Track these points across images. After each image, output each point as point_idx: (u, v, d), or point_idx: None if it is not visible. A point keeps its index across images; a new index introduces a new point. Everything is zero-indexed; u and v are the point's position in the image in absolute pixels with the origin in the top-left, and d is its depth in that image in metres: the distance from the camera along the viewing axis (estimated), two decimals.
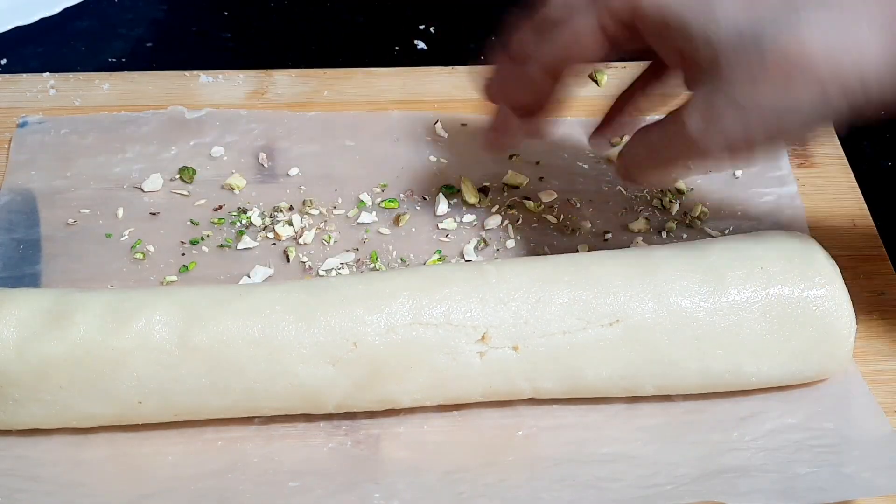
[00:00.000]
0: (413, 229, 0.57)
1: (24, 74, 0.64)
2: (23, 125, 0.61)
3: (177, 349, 0.45)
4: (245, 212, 0.57)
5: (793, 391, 0.49)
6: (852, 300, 0.49)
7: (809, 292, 0.47)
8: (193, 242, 0.56)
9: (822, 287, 0.47)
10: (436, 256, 0.56)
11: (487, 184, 0.59)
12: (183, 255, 0.55)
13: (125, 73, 0.65)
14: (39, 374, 0.44)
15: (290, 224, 0.57)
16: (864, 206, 0.59)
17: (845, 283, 0.48)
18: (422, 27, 0.73)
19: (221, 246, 0.56)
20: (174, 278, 0.54)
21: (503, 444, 0.47)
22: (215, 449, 0.47)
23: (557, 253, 0.55)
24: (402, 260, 0.56)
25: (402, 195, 0.59)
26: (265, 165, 0.60)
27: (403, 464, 0.46)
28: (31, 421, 0.46)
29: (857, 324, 0.48)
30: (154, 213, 0.57)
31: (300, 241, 0.56)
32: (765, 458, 0.46)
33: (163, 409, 0.46)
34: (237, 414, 0.47)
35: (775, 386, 0.49)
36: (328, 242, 0.56)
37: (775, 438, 0.47)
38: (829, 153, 0.62)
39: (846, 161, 0.61)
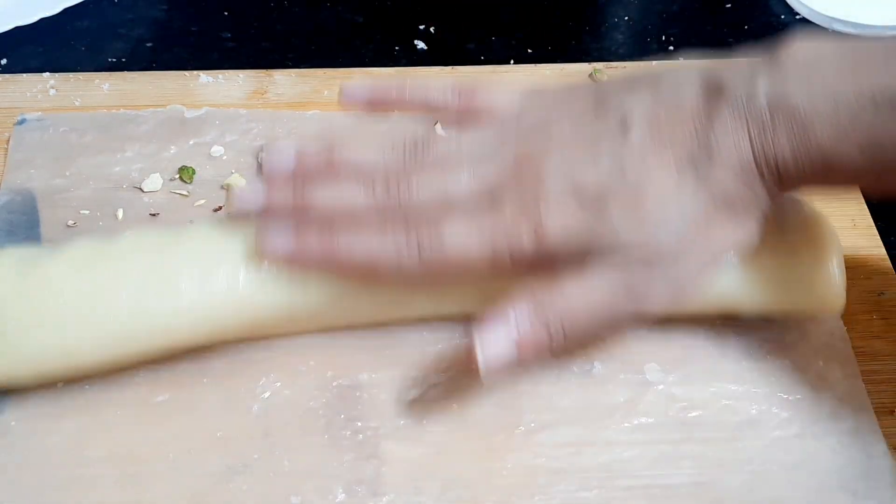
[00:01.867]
0: None
1: (24, 74, 0.65)
2: (21, 122, 0.61)
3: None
4: None
5: (794, 397, 0.49)
6: (852, 300, 0.49)
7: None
8: None
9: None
10: None
11: None
12: None
13: (125, 73, 0.65)
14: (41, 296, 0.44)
15: None
16: (864, 206, 0.59)
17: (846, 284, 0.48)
18: (422, 27, 0.73)
19: None
20: None
21: (503, 447, 0.47)
22: (215, 445, 0.47)
23: None
24: None
25: None
26: None
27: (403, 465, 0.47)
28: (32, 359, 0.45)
29: (855, 324, 0.49)
30: (154, 214, 0.57)
31: None
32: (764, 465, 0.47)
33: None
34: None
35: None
36: None
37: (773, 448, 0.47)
38: None
39: None
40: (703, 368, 0.50)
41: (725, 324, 0.51)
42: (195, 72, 0.65)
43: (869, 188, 0.47)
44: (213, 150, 0.60)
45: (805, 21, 0.74)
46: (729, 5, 0.76)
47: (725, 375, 0.50)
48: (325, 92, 0.64)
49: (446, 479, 0.46)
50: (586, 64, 0.67)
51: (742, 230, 0.44)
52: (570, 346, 0.43)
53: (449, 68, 0.67)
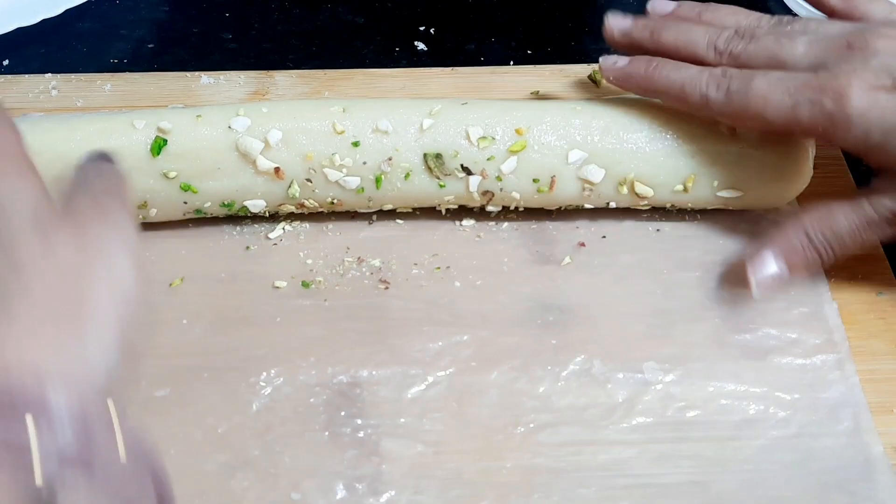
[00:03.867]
0: None
1: (26, 75, 0.65)
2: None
3: None
4: None
5: (792, 397, 0.49)
6: (850, 300, 0.51)
7: None
8: None
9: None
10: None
11: None
12: None
13: (127, 74, 0.66)
14: None
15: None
16: None
17: (843, 284, 0.50)
18: (422, 28, 0.73)
19: None
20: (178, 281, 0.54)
21: (502, 447, 0.47)
22: (215, 440, 0.47)
23: (557, 236, 0.56)
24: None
25: None
26: None
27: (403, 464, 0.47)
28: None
29: (854, 324, 0.49)
30: None
31: None
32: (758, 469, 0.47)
33: None
34: None
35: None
36: None
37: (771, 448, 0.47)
38: (828, 154, 0.62)
39: (844, 162, 0.61)
40: (701, 368, 0.50)
41: (724, 322, 0.52)
42: (196, 73, 0.65)
43: None
44: None
45: None
46: None
47: (724, 375, 0.50)
48: (326, 93, 0.65)
49: (446, 477, 0.46)
50: (586, 65, 0.67)
51: None
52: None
53: (449, 69, 0.67)
